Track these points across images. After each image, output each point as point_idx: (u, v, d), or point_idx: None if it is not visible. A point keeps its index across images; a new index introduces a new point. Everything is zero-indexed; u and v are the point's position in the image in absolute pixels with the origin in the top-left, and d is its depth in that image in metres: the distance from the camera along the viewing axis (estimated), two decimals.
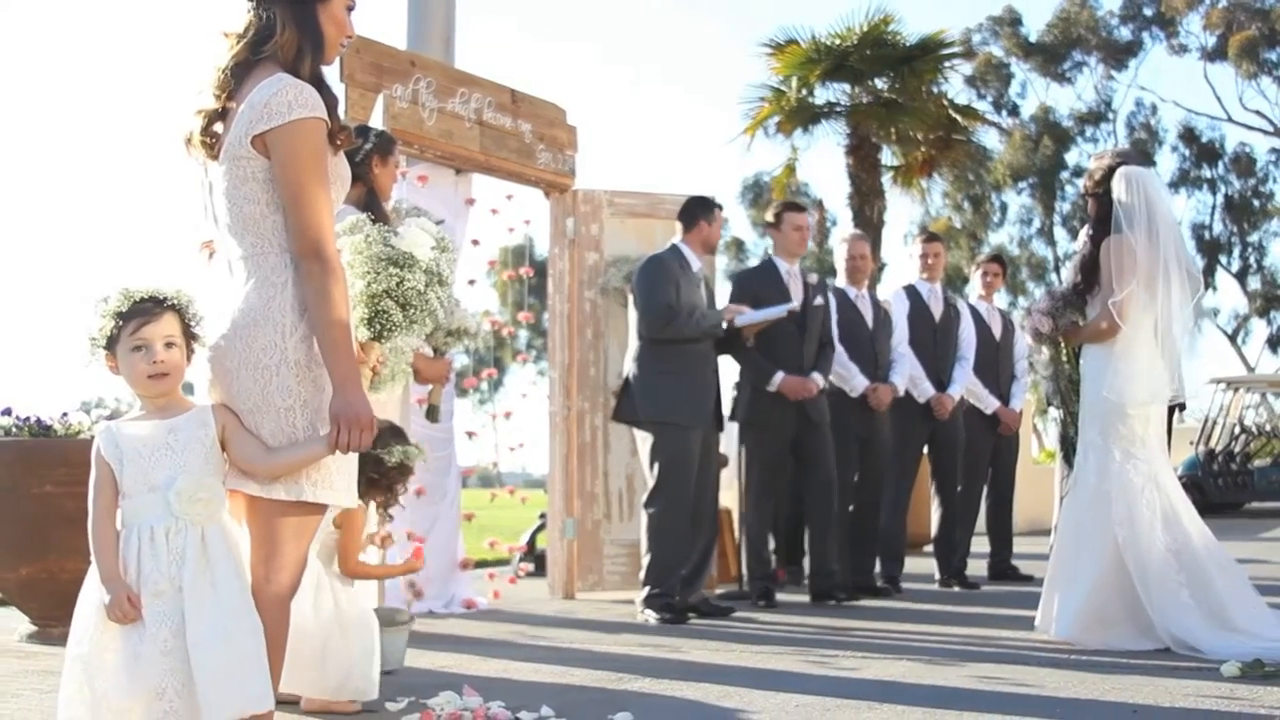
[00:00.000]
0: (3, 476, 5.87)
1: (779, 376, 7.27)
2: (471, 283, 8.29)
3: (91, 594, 2.98)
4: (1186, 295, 5.82)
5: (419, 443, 4.70)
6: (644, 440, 7.03)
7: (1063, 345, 6.12)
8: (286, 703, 4.25)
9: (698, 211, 7.24)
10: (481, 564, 9.46)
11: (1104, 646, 5.50)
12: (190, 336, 3.08)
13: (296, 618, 4.00)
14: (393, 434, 4.50)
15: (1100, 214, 5.96)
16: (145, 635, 2.90)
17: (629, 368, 7.13)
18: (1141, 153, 37.15)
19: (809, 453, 7.49)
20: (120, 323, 3.01)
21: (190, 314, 3.07)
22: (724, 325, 7.06)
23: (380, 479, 4.43)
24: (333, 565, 4.40)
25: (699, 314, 6.97)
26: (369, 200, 5.21)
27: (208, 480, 2.98)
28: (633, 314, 7.18)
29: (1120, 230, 5.81)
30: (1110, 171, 5.96)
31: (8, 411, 6.08)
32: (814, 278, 7.70)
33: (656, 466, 6.89)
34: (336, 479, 3.05)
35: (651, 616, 6.72)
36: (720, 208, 7.42)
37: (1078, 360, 6.07)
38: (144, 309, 3.02)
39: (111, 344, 3.03)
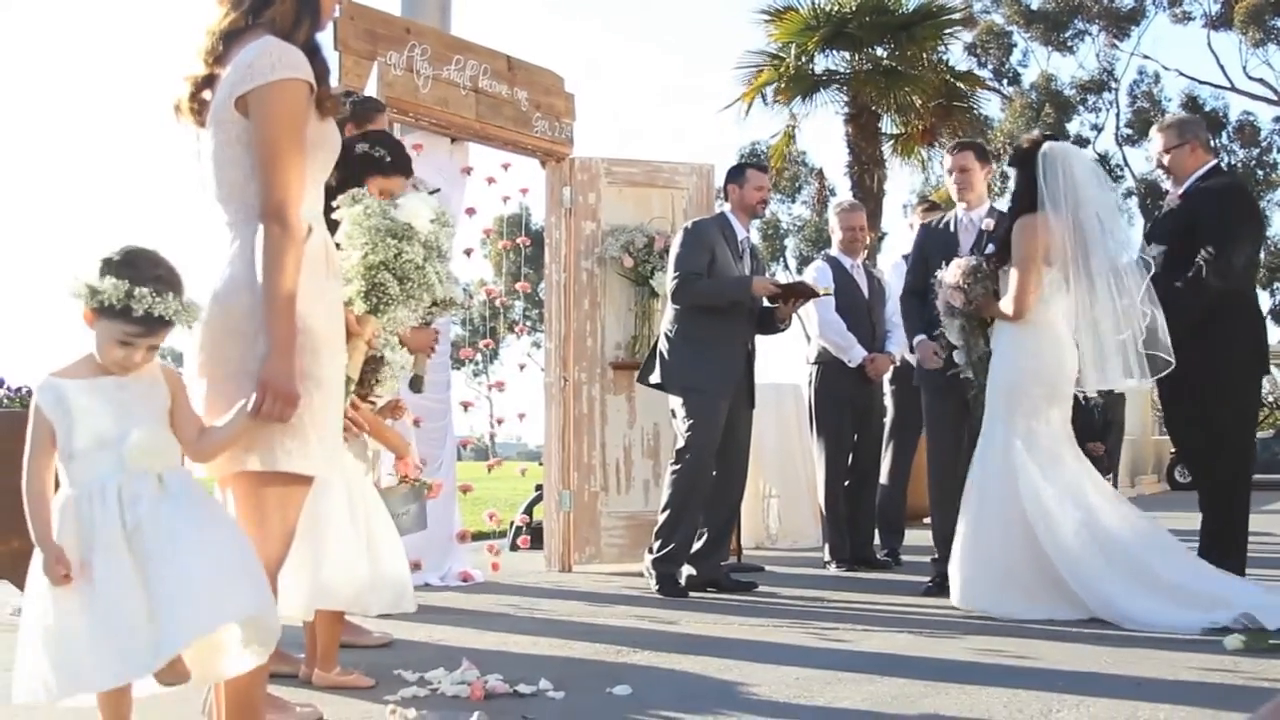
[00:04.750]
0: None
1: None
2: (468, 253, 8.24)
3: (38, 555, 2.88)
4: (1111, 283, 5.77)
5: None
6: (675, 405, 6.95)
7: (974, 318, 6.13)
8: (286, 675, 4.23)
9: (728, 178, 7.16)
10: (479, 536, 9.42)
11: (1026, 617, 5.52)
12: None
13: (341, 537, 4.06)
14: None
15: (1022, 189, 5.97)
16: (102, 589, 2.77)
17: (661, 332, 7.08)
18: (1144, 122, 37.04)
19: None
20: (125, 312, 2.83)
21: (183, 323, 2.91)
22: (755, 297, 6.87)
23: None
24: (369, 475, 4.35)
25: (720, 280, 6.83)
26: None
27: (162, 432, 2.91)
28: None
29: (1043, 208, 5.83)
30: (1036, 147, 5.97)
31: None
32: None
33: (685, 427, 6.82)
34: (314, 448, 2.99)
35: (652, 582, 6.69)
36: (756, 168, 7.18)
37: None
38: (152, 328, 2.86)
39: (102, 310, 2.86)
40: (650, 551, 6.86)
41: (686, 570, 6.87)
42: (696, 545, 6.91)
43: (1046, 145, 5.97)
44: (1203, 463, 6.19)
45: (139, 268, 2.86)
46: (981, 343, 6.12)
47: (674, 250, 6.97)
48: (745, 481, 7.32)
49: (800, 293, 6.96)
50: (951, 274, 6.16)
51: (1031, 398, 5.82)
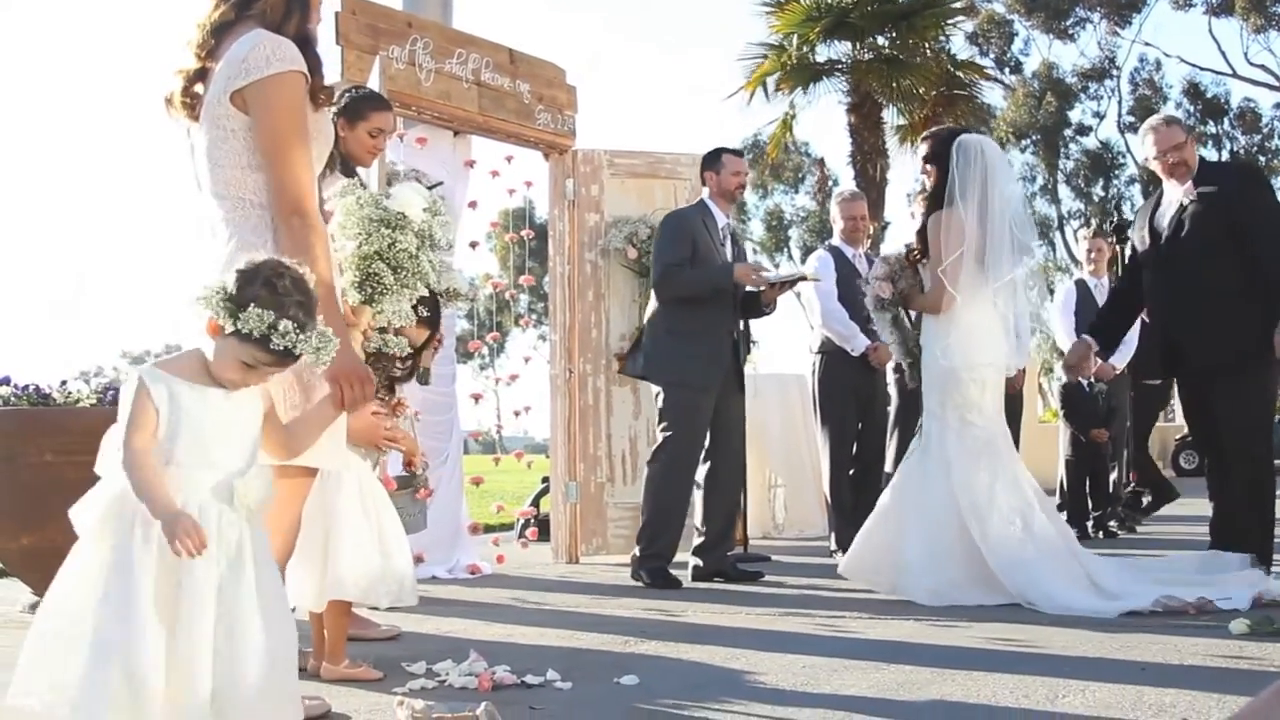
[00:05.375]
0: (2, 446, 5.85)
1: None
2: (473, 245, 8.24)
3: (95, 558, 2.65)
4: (1016, 269, 5.95)
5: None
6: (656, 397, 6.97)
7: (904, 309, 6.26)
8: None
9: (705, 165, 7.11)
10: (488, 529, 9.45)
11: (958, 603, 5.64)
12: None
13: (355, 531, 4.02)
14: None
15: (937, 183, 6.07)
16: (183, 626, 2.61)
17: (645, 324, 7.08)
18: (1146, 109, 36.99)
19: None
20: (262, 341, 2.70)
21: (319, 360, 2.78)
22: (739, 282, 6.87)
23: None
24: (372, 467, 4.38)
25: (702, 270, 6.80)
26: (342, 166, 5.00)
27: (267, 471, 2.82)
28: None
29: (952, 203, 5.93)
30: (948, 141, 6.08)
31: (6, 380, 6.05)
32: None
33: (662, 426, 6.83)
34: (321, 441, 3.01)
35: (644, 577, 6.69)
36: (732, 153, 7.11)
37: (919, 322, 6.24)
38: (284, 360, 2.74)
39: (233, 328, 2.70)
40: (635, 554, 6.85)
41: (693, 561, 6.88)
42: (699, 540, 6.93)
43: (961, 137, 6.10)
44: (1229, 450, 6.20)
45: (282, 294, 2.72)
46: (913, 335, 6.24)
47: (656, 242, 6.97)
48: (743, 469, 7.34)
49: (785, 281, 6.98)
50: (879, 267, 6.30)
51: (962, 389, 5.92)
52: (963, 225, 5.89)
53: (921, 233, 6.17)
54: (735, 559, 7.24)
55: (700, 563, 6.86)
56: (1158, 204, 6.39)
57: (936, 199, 6.05)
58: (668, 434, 6.77)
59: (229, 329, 2.69)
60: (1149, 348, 7.04)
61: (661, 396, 6.85)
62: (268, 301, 2.69)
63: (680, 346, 6.78)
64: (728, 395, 6.92)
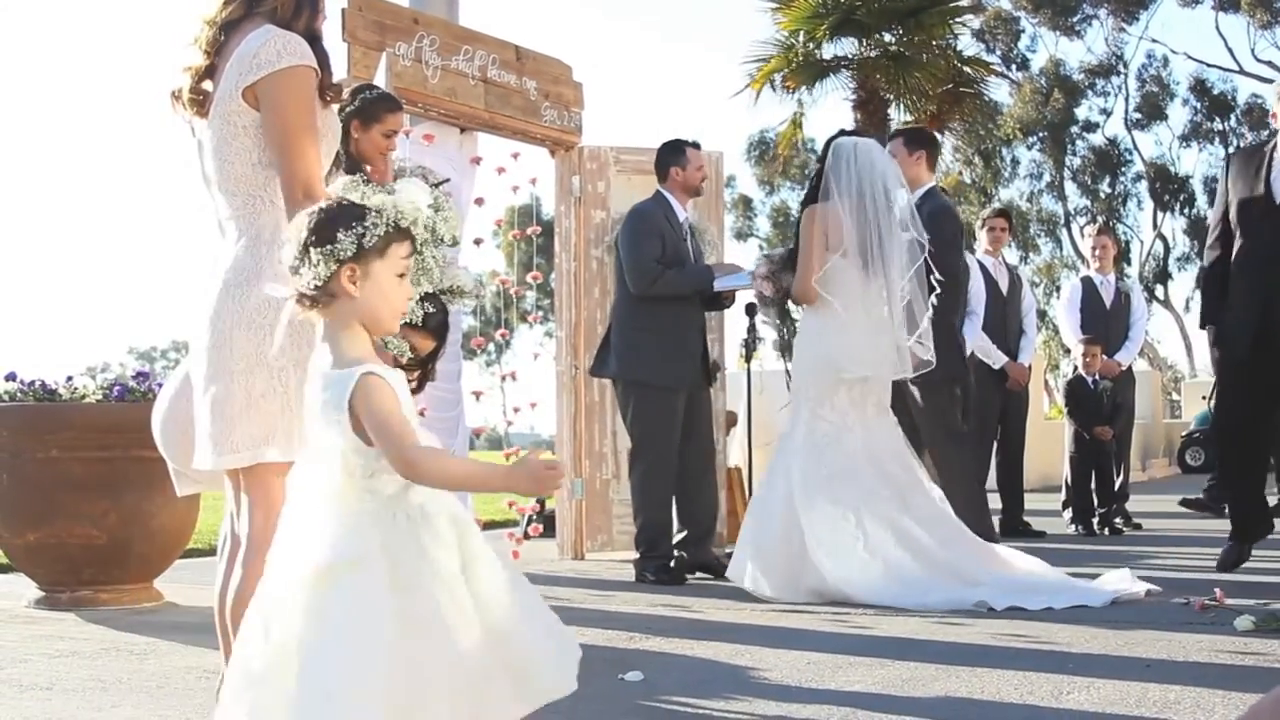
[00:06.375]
0: (8, 442, 5.87)
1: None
2: (478, 242, 8.24)
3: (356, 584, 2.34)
4: (905, 269, 5.97)
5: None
6: (627, 397, 6.94)
7: (787, 306, 6.38)
8: None
9: (666, 158, 7.04)
10: (492, 525, 9.43)
11: (774, 596, 5.76)
12: None
13: None
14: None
15: (813, 182, 6.18)
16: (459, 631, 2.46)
17: (611, 322, 7.07)
18: (1153, 106, 36.90)
19: None
20: (391, 239, 2.55)
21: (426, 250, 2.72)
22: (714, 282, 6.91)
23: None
24: None
25: (688, 269, 6.83)
26: (347, 166, 5.00)
27: None
28: (618, 267, 7.09)
29: (828, 199, 6.01)
30: (828, 143, 6.19)
31: (12, 376, 6.07)
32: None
33: (636, 430, 6.82)
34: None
35: (649, 575, 6.69)
36: (694, 146, 7.03)
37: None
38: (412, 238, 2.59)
39: (363, 255, 2.52)
40: (637, 557, 6.85)
41: (677, 553, 6.89)
42: (681, 535, 6.94)
43: (838, 140, 6.20)
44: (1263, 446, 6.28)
45: (367, 206, 2.61)
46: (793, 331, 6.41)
47: (625, 240, 6.94)
48: (715, 462, 7.39)
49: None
50: (761, 265, 6.40)
51: (818, 382, 6.01)
52: (829, 220, 5.99)
53: (797, 231, 6.33)
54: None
55: (685, 555, 6.86)
56: (1270, 162, 6.04)
57: (810, 196, 6.17)
58: (642, 440, 6.79)
59: (352, 256, 2.49)
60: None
61: (632, 401, 6.83)
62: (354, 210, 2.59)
63: (653, 345, 6.76)
64: (695, 389, 6.94)
